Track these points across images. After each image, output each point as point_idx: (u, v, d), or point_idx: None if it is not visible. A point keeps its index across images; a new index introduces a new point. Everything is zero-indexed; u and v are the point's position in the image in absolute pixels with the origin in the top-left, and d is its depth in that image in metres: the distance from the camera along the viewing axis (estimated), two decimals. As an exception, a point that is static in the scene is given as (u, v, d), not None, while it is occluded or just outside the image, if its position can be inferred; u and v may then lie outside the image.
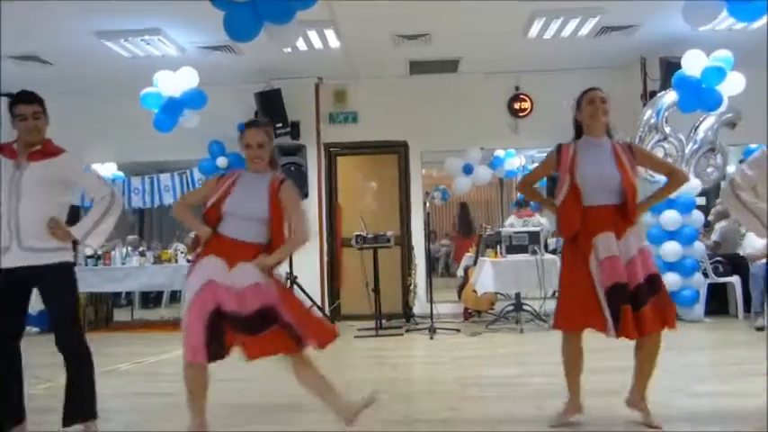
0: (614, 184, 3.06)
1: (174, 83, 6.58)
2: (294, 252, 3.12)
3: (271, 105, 7.50)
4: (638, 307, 2.98)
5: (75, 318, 3.16)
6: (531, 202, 9.26)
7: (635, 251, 3.05)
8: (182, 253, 7.60)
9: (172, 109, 6.58)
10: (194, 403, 2.97)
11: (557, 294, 3.25)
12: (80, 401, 3.08)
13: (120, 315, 8.47)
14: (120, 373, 4.93)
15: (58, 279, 3.07)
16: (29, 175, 3.04)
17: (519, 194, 3.53)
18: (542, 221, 8.28)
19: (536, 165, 3.54)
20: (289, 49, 6.64)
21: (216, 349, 2.85)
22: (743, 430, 3.09)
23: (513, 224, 8.34)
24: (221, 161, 7.94)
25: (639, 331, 2.99)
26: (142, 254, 7.84)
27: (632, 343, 3.13)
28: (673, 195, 6.72)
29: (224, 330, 2.86)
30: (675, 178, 3.33)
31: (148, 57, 6.71)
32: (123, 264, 7.62)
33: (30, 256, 3.00)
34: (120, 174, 8.64)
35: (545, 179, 3.80)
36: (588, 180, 3.08)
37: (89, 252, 7.39)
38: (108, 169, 8.49)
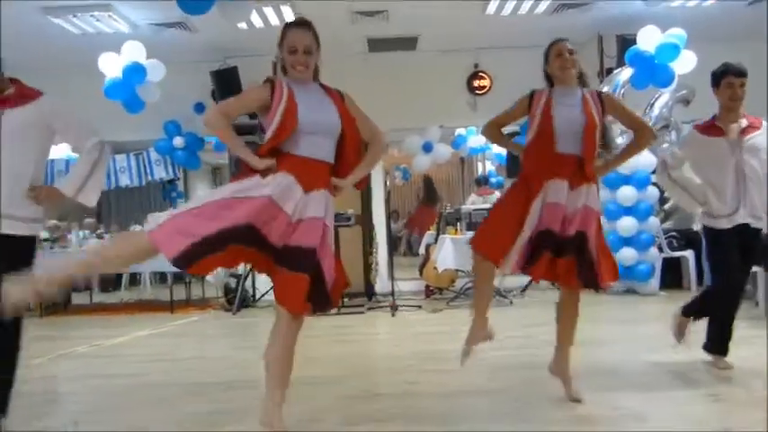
0: (577, 133, 3.00)
1: (119, 64, 6.39)
2: (373, 167, 2.67)
3: (227, 84, 7.36)
4: (560, 255, 2.96)
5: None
6: (491, 180, 9.36)
7: (580, 205, 2.99)
8: (139, 235, 7.46)
9: (128, 79, 6.39)
10: None
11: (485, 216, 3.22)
12: None
13: (79, 299, 8.29)
14: (76, 355, 4.83)
15: (22, 251, 2.65)
16: (5, 125, 2.61)
17: (482, 134, 3.36)
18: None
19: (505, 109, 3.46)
20: (244, 26, 6.51)
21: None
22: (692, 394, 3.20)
23: (475, 202, 8.41)
24: (178, 141, 7.81)
25: (552, 277, 3.05)
26: (99, 236, 7.68)
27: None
28: (627, 170, 6.85)
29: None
30: (642, 135, 3.18)
31: (99, 34, 6.52)
32: (81, 247, 7.44)
33: (8, 223, 2.61)
34: (74, 155, 8.39)
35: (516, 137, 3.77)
36: (556, 127, 3.01)
37: (45, 235, 7.18)
38: (61, 150, 8.24)
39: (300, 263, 2.43)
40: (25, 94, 2.72)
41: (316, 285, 2.46)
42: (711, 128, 3.63)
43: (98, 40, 6.45)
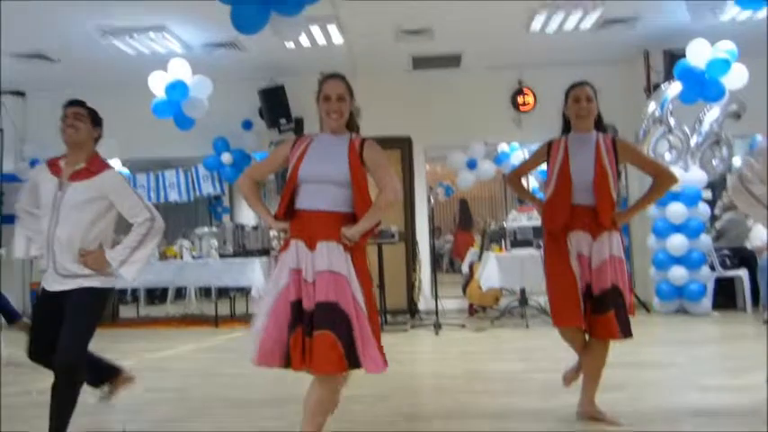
0: (590, 184, 3.01)
1: (166, 82, 6.54)
2: (382, 216, 2.59)
3: (275, 102, 7.52)
4: (599, 311, 2.96)
5: (84, 339, 2.89)
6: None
7: (606, 256, 3.00)
8: (187, 249, 7.62)
9: (171, 96, 6.52)
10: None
11: (546, 291, 3.19)
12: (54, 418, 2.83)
13: (126, 312, 8.50)
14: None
15: (82, 299, 2.89)
16: (70, 196, 2.91)
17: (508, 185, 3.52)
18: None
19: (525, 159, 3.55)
20: (292, 46, 6.65)
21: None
22: (750, 429, 3.05)
23: (517, 218, 8.32)
24: (226, 157, 7.97)
25: (593, 333, 3.03)
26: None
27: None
28: (677, 186, 6.77)
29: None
30: (662, 180, 3.15)
31: (153, 54, 6.73)
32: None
33: (65, 281, 2.89)
34: (126, 170, 8.68)
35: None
36: (574, 178, 3.05)
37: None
38: (113, 165, 8.52)
39: (318, 320, 2.38)
40: (92, 170, 2.97)
41: (345, 341, 2.37)
42: None
43: (152, 59, 6.68)
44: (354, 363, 2.38)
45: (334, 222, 2.50)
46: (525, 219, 8.24)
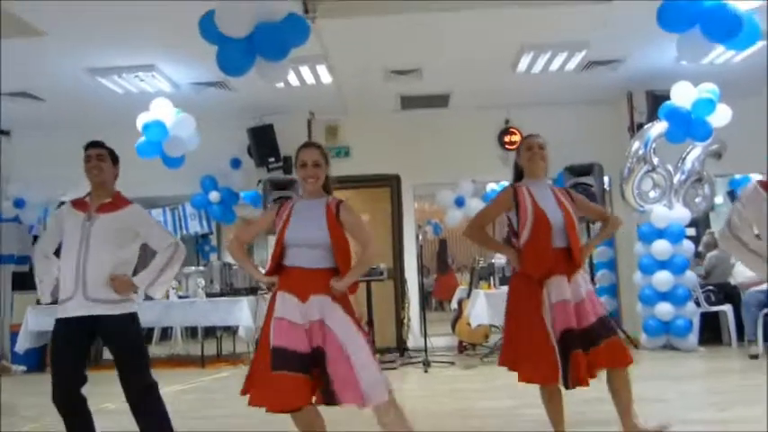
0: (561, 226, 3.14)
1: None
2: (363, 272, 3.01)
3: (263, 140, 7.58)
4: (588, 347, 3.01)
5: (141, 363, 3.17)
6: None
7: (584, 293, 3.11)
8: (173, 288, 7.54)
9: (151, 135, 6.48)
10: None
11: (509, 337, 3.23)
12: None
13: (109, 353, 8.31)
14: (105, 412, 4.80)
15: (119, 329, 3.12)
16: (98, 227, 3.13)
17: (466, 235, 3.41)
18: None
19: (484, 207, 3.59)
20: (281, 85, 6.74)
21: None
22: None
23: None
24: (214, 196, 7.96)
25: (591, 373, 3.01)
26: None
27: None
28: (663, 223, 6.82)
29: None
30: (609, 224, 3.50)
31: (142, 93, 6.78)
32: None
33: (93, 305, 3.06)
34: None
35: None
36: (551, 223, 3.13)
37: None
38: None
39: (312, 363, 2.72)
40: (118, 205, 3.24)
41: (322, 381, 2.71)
42: None
43: (140, 98, 6.73)
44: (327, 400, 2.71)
45: (321, 278, 2.84)
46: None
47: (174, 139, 6.54)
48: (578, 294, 3.10)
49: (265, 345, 2.80)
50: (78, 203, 3.24)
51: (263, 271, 3.06)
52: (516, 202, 3.20)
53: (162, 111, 6.49)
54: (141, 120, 6.50)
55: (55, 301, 3.19)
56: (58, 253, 3.22)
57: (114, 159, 3.29)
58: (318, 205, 2.95)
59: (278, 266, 2.93)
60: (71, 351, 3.06)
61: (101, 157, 3.21)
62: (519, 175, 3.36)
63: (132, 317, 3.19)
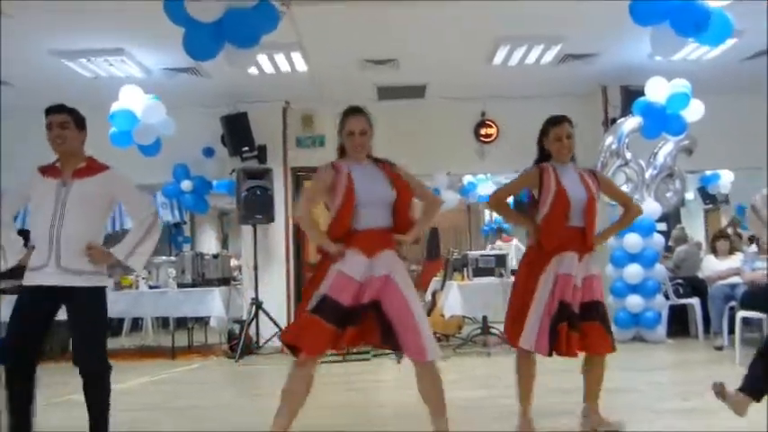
0: (582, 208, 3.21)
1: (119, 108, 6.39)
2: (431, 222, 3.08)
3: (237, 129, 7.47)
4: (575, 325, 3.11)
5: (102, 341, 3.04)
6: (507, 226, 9.52)
7: (590, 273, 3.23)
8: (143, 278, 7.42)
9: (120, 124, 6.36)
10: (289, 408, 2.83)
11: (509, 305, 3.35)
12: (95, 427, 3.01)
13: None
14: (72, 403, 4.68)
15: (90, 301, 2.98)
16: (75, 193, 2.97)
17: (492, 211, 3.65)
18: (521, 246, 8.47)
19: (510, 181, 3.64)
20: (255, 72, 6.65)
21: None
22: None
23: (502, 248, 8.55)
24: (186, 185, 7.85)
25: (569, 350, 3.11)
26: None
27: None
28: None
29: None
30: (631, 210, 3.49)
31: (111, 78, 6.62)
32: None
33: (66, 276, 2.92)
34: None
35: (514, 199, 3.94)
36: (571, 201, 3.21)
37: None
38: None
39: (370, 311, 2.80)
40: (94, 168, 3.08)
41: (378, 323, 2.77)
42: None
43: (111, 84, 6.57)
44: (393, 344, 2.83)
45: (386, 235, 2.88)
46: (513, 248, 8.45)
47: (144, 126, 6.42)
48: (585, 273, 3.21)
49: (309, 292, 2.83)
50: (48, 170, 3.05)
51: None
52: (540, 181, 3.27)
53: (131, 98, 6.35)
54: (113, 108, 6.37)
55: (19, 267, 3.04)
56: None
57: (79, 123, 3.08)
58: (371, 167, 2.97)
59: (344, 230, 2.86)
60: (35, 319, 2.92)
61: (63, 124, 3.01)
62: (542, 155, 3.38)
63: (104, 291, 3.06)
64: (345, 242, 2.84)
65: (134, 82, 6.56)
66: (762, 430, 2.53)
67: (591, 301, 3.19)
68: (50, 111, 3.06)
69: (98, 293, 3.02)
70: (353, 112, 2.99)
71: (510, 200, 3.83)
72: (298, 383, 2.82)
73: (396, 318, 2.76)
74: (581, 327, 3.13)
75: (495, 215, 11.24)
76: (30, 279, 2.95)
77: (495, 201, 3.50)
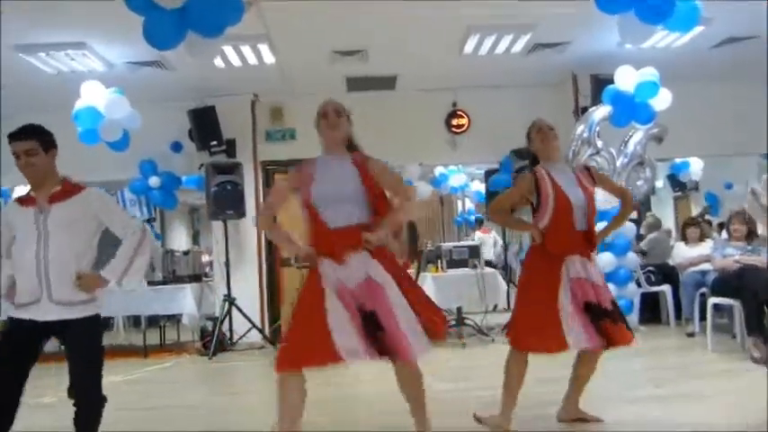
0: (583, 208, 3.21)
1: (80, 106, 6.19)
2: (403, 218, 2.87)
3: (204, 123, 7.33)
4: (615, 321, 3.19)
5: (99, 372, 2.93)
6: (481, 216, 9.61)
7: (598, 276, 3.25)
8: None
9: (84, 122, 6.16)
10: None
11: (516, 308, 3.36)
12: None
13: (48, 345, 7.94)
14: (42, 405, 4.60)
15: (85, 332, 2.89)
16: (54, 219, 2.83)
17: (489, 218, 3.66)
18: (498, 238, 8.50)
19: (506, 190, 3.70)
20: (222, 65, 6.51)
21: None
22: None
23: (481, 238, 8.57)
24: (153, 181, 7.68)
25: (622, 338, 3.20)
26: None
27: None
28: (606, 206, 6.99)
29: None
30: (627, 200, 3.55)
31: (73, 72, 6.42)
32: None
33: (62, 309, 2.80)
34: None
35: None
36: (573, 205, 3.22)
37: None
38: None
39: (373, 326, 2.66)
40: (70, 190, 2.93)
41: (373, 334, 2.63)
42: None
43: (73, 78, 6.37)
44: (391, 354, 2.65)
45: (356, 234, 2.68)
46: (491, 240, 8.48)
47: (109, 122, 6.25)
48: (597, 275, 3.23)
49: (303, 313, 2.73)
50: (24, 200, 2.94)
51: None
52: (537, 187, 3.24)
53: (93, 94, 6.17)
54: (76, 107, 6.19)
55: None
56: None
57: (46, 145, 2.91)
58: (344, 161, 2.86)
59: (314, 232, 2.76)
60: (19, 352, 2.82)
61: (29, 152, 2.84)
62: (534, 160, 3.40)
63: (98, 319, 2.96)
64: (316, 244, 2.75)
65: (97, 76, 6.36)
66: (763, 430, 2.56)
67: (612, 301, 3.27)
68: (13, 138, 2.88)
69: (93, 323, 2.92)
70: (328, 101, 2.96)
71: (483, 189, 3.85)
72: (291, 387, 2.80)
73: (387, 327, 2.64)
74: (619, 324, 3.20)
75: (468, 206, 11.28)
76: (20, 313, 2.84)
77: (493, 212, 3.57)
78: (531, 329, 3.16)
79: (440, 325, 2.80)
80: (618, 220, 3.64)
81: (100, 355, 2.96)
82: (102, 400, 2.94)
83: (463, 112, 8.01)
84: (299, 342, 2.66)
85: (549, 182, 3.21)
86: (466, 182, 9.38)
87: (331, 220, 2.73)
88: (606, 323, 3.12)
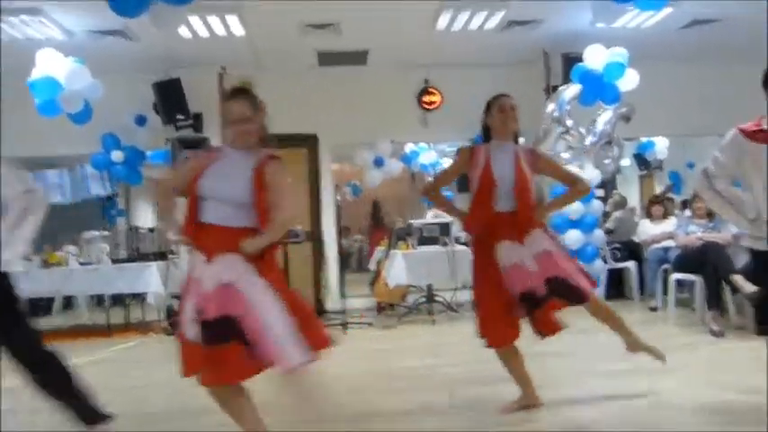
0: (510, 190, 3.12)
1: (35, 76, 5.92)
2: (277, 237, 2.59)
3: (170, 96, 7.11)
4: (541, 303, 3.09)
5: (21, 327, 2.79)
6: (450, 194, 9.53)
7: (546, 248, 3.12)
8: (73, 255, 7.06)
9: (42, 93, 5.89)
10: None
11: (475, 302, 3.29)
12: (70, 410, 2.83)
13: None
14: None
15: None
16: None
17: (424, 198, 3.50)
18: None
19: (445, 166, 3.57)
20: (189, 36, 6.31)
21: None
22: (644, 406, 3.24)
23: (439, 216, 8.49)
24: (116, 155, 7.45)
25: (552, 326, 3.18)
26: (27, 258, 7.21)
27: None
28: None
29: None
30: (576, 187, 3.37)
31: (29, 40, 6.13)
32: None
33: None
34: None
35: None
36: (497, 184, 3.12)
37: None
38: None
39: (222, 334, 2.46)
40: None
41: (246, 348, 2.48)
42: (759, 132, 2.72)
43: (29, 46, 6.08)
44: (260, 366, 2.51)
45: (235, 236, 2.52)
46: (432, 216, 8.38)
47: (69, 92, 6.00)
48: (531, 254, 3.09)
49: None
50: None
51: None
52: (471, 161, 3.19)
53: (51, 63, 5.91)
54: (32, 77, 5.91)
55: None
56: None
57: None
58: (248, 158, 2.60)
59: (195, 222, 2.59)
60: None
61: None
62: (487, 135, 3.28)
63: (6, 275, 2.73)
64: (192, 236, 2.59)
65: (55, 45, 6.09)
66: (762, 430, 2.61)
67: (553, 276, 3.08)
68: None
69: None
70: (232, 95, 2.67)
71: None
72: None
73: (251, 333, 2.46)
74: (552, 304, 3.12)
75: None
76: None
77: (428, 190, 3.51)
78: (490, 325, 3.14)
79: (322, 339, 2.72)
80: (561, 199, 3.57)
81: (14, 310, 2.79)
82: (48, 354, 2.83)
83: (435, 89, 7.95)
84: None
85: (482, 159, 3.16)
86: (437, 159, 9.35)
87: (214, 216, 2.57)
88: (538, 312, 3.08)
